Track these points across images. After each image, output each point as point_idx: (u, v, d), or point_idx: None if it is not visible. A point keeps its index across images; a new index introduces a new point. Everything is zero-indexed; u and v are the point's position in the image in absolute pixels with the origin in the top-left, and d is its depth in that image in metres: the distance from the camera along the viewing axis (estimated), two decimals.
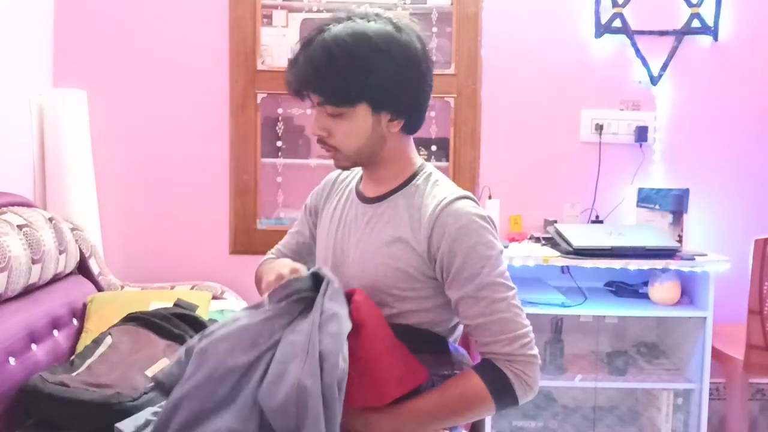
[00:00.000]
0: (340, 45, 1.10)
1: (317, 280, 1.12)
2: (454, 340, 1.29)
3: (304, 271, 1.15)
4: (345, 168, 1.26)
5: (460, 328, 1.27)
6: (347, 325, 1.03)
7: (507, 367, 1.11)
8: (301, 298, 1.10)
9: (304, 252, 1.45)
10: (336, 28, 1.12)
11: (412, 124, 1.22)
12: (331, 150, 1.20)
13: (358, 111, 1.14)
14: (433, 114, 2.75)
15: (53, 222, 2.16)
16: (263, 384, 1.00)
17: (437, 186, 1.21)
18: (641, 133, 2.72)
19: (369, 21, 1.15)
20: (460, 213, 1.14)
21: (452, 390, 1.13)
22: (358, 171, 1.35)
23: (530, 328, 1.14)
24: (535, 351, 1.13)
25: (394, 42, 1.13)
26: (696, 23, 2.71)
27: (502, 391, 1.11)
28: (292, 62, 1.16)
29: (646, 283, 2.55)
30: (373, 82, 1.12)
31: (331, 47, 1.10)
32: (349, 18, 1.15)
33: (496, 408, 1.13)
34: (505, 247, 2.44)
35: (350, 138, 1.17)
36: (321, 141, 1.19)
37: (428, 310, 1.20)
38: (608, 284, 2.69)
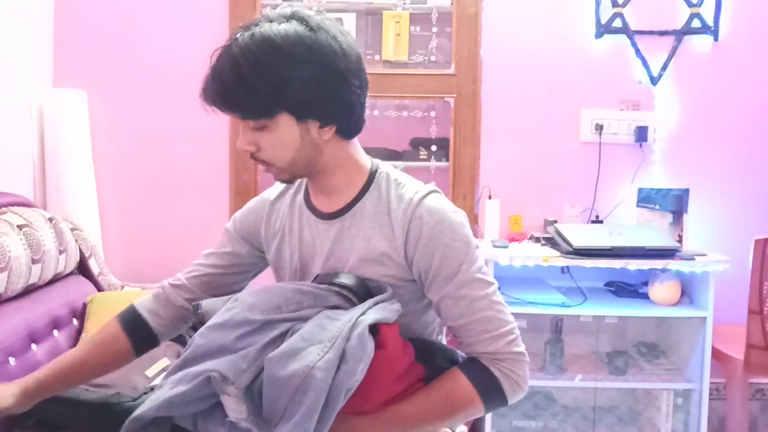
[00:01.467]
0: (245, 55, 1.03)
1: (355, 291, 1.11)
2: (442, 337, 1.28)
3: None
4: (286, 181, 1.18)
5: None
6: (372, 344, 1.01)
7: (494, 366, 1.07)
8: (341, 293, 1.08)
9: (219, 285, 1.30)
10: (243, 37, 1.05)
11: (347, 128, 1.12)
12: (264, 165, 1.13)
13: (280, 122, 1.07)
14: (433, 114, 2.75)
15: (53, 222, 2.16)
16: (276, 350, 0.97)
17: (400, 186, 1.15)
18: (641, 133, 2.72)
19: (279, 24, 1.06)
20: (432, 210, 1.09)
21: (438, 391, 1.08)
22: (294, 186, 1.26)
23: (515, 324, 1.10)
24: (522, 348, 1.10)
25: (304, 44, 1.03)
26: (696, 23, 2.70)
27: (490, 391, 1.07)
28: (204, 80, 1.10)
29: (646, 283, 2.55)
30: (285, 90, 1.03)
31: (237, 59, 1.03)
32: (256, 24, 1.08)
33: (485, 408, 1.09)
34: (505, 247, 2.44)
35: (279, 150, 1.09)
36: (252, 157, 1.12)
37: (416, 313, 1.17)
38: (608, 284, 2.69)
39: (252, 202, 1.32)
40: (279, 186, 1.28)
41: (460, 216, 1.12)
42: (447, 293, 1.09)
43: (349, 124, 1.12)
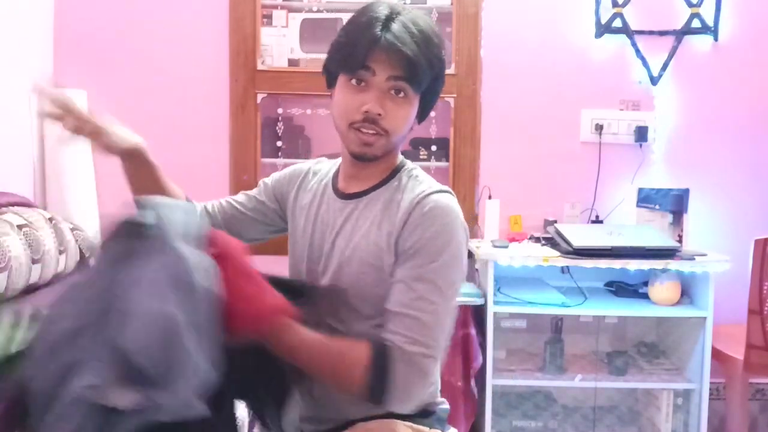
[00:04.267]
0: (426, 26, 1.14)
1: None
2: None
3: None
4: (374, 158, 1.17)
5: None
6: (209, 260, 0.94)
7: (398, 349, 1.04)
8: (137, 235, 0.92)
9: (239, 222, 1.39)
10: (416, 15, 1.15)
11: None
12: (377, 133, 1.14)
13: (416, 99, 1.16)
14: (433, 114, 2.74)
15: (53, 222, 2.15)
16: (114, 327, 0.83)
17: (417, 181, 1.19)
18: (641, 133, 2.72)
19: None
20: (435, 203, 1.12)
21: (337, 343, 1.08)
22: (330, 166, 1.33)
23: (441, 349, 1.08)
24: (432, 370, 1.07)
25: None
26: (696, 23, 2.71)
27: (381, 356, 1.03)
28: (382, 26, 1.11)
29: (646, 283, 2.55)
30: (440, 75, 1.17)
31: (420, 24, 1.13)
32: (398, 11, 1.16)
33: (368, 382, 1.03)
34: (505, 247, 2.44)
35: (403, 123, 1.16)
36: (372, 121, 1.13)
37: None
38: (608, 284, 2.69)
39: (291, 169, 1.38)
40: (319, 164, 1.36)
41: (459, 223, 1.13)
42: (404, 277, 1.09)
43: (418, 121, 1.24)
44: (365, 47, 1.10)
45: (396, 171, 1.22)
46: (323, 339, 1.07)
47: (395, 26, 1.10)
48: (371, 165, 1.19)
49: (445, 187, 1.18)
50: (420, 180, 1.20)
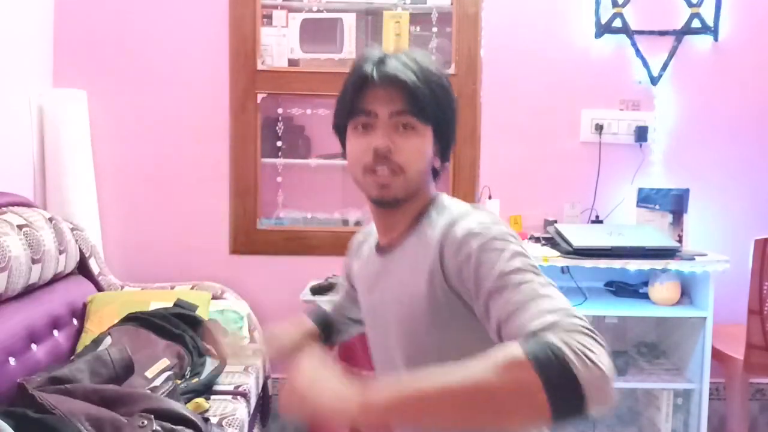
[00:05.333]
0: (424, 60, 1.09)
1: None
2: None
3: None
4: (395, 200, 1.09)
5: None
6: None
7: (554, 334, 0.76)
8: None
9: (346, 309, 1.41)
10: (411, 52, 1.10)
11: (440, 169, 1.16)
12: (392, 171, 1.06)
13: (426, 131, 1.08)
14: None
15: (53, 222, 2.16)
16: None
17: (447, 211, 1.08)
18: (641, 133, 2.72)
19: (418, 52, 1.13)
20: (467, 222, 1.00)
21: (476, 362, 0.77)
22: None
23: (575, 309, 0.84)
24: (588, 325, 0.79)
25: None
26: (696, 23, 2.71)
27: (550, 363, 0.72)
28: (375, 64, 1.07)
29: (646, 283, 2.55)
30: (447, 105, 1.10)
31: (417, 58, 1.08)
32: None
33: (548, 393, 0.72)
34: None
35: (417, 156, 1.07)
36: (383, 157, 1.05)
37: (453, 338, 1.02)
38: (608, 284, 2.69)
39: (352, 240, 1.37)
40: (369, 229, 1.29)
41: (503, 224, 1.00)
42: (490, 289, 0.90)
43: (444, 165, 1.17)
44: (360, 88, 1.06)
45: (425, 210, 1.12)
46: (456, 366, 0.78)
47: (390, 62, 1.06)
48: (397, 211, 1.11)
49: (478, 205, 1.11)
50: (450, 208, 1.08)
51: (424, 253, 1.04)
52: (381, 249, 1.17)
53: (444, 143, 1.13)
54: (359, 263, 1.27)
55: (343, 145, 1.14)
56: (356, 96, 1.07)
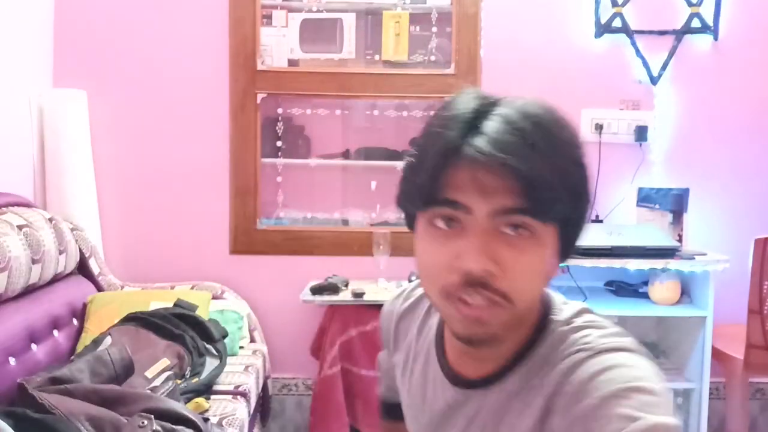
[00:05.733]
0: (544, 116, 0.70)
1: None
2: None
3: None
4: (493, 339, 0.72)
5: None
6: None
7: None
8: None
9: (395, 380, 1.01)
10: (520, 104, 0.72)
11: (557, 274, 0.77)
12: (491, 302, 0.68)
13: (548, 233, 0.70)
14: (431, 113, 2.75)
15: (53, 222, 2.16)
16: None
17: (580, 334, 0.74)
18: (641, 133, 2.72)
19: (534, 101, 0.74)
20: (610, 361, 0.70)
21: None
22: (427, 306, 0.90)
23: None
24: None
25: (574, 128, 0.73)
26: (696, 23, 2.70)
27: None
28: (467, 127, 0.69)
29: (646, 283, 2.55)
30: (581, 188, 0.72)
31: (545, 115, 0.70)
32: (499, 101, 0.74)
33: None
34: None
35: (534, 278, 0.70)
36: (479, 284, 0.68)
37: None
38: (608, 284, 2.69)
39: (388, 302, 1.00)
40: (404, 296, 0.96)
41: (652, 367, 0.72)
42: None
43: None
44: (443, 167, 0.68)
45: (538, 332, 0.75)
46: None
47: (491, 124, 0.68)
48: (493, 346, 0.74)
49: (626, 340, 0.77)
50: (586, 333, 0.74)
51: (532, 401, 0.72)
52: (458, 379, 0.79)
53: (570, 241, 0.74)
54: (404, 358, 0.91)
55: (410, 226, 0.78)
56: (437, 174, 0.69)
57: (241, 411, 1.96)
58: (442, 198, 0.69)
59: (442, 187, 0.69)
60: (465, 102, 0.72)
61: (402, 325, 0.94)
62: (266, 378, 2.49)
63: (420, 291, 0.93)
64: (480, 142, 0.67)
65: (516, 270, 0.68)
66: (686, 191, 2.52)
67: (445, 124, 0.71)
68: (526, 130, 0.67)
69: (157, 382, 1.79)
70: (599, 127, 2.73)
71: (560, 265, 0.76)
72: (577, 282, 2.54)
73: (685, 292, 2.51)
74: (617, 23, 2.70)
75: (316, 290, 2.44)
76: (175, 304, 2.23)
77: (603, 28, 2.71)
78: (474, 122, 0.69)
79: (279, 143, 2.79)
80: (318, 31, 2.71)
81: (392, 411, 1.02)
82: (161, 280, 2.62)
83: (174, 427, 1.53)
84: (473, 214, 0.68)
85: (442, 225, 0.70)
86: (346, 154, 2.79)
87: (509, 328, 0.72)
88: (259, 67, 2.70)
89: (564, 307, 0.78)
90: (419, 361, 0.87)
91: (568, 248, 0.74)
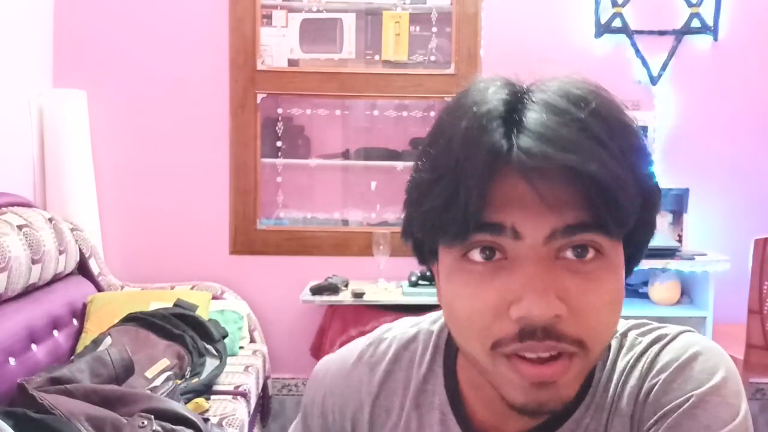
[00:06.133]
0: (612, 101, 0.56)
1: None
2: None
3: None
4: (553, 409, 0.55)
5: None
6: None
7: None
8: None
9: None
10: (552, 82, 0.55)
11: None
12: (563, 355, 0.52)
13: (618, 251, 0.55)
14: (433, 114, 2.75)
15: (53, 222, 2.16)
16: None
17: (634, 341, 0.61)
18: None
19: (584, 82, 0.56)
20: (680, 349, 0.58)
21: None
22: (416, 362, 0.68)
23: None
24: None
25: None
26: (696, 23, 2.70)
27: None
28: (504, 121, 0.52)
29: (646, 283, 2.55)
30: (651, 189, 0.56)
31: (597, 102, 0.53)
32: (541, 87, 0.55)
33: None
34: None
35: (610, 311, 0.54)
36: (544, 333, 0.51)
37: None
38: None
39: (338, 378, 0.70)
40: (365, 361, 0.70)
41: (731, 364, 0.58)
42: None
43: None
44: (485, 178, 0.50)
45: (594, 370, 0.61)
46: None
47: (534, 116, 0.51)
48: None
49: (681, 327, 0.62)
50: (635, 340, 0.62)
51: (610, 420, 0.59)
52: None
53: (636, 255, 0.59)
54: (395, 425, 0.67)
55: (422, 260, 0.61)
56: (483, 191, 0.51)
57: (241, 411, 1.96)
58: (482, 222, 0.51)
59: (480, 211, 0.50)
60: (494, 93, 0.54)
61: (381, 403, 0.68)
62: (266, 378, 2.49)
63: (386, 344, 0.69)
64: (526, 141, 0.49)
65: (589, 306, 0.51)
66: (686, 191, 2.52)
67: (478, 125, 0.52)
68: (583, 119, 0.51)
69: (157, 383, 1.79)
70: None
71: (628, 276, 0.59)
72: None
73: (685, 292, 2.51)
74: (617, 23, 2.70)
75: (316, 290, 2.44)
76: (175, 304, 2.23)
77: (603, 28, 2.71)
78: (511, 113, 0.52)
79: (279, 143, 2.79)
80: (318, 31, 2.71)
81: None
82: (161, 280, 2.62)
83: (174, 427, 1.53)
84: (524, 239, 0.51)
85: (480, 258, 0.53)
86: (346, 154, 2.79)
87: (580, 382, 0.55)
88: (259, 67, 2.70)
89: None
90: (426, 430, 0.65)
91: (632, 264, 0.59)
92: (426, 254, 0.59)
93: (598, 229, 0.51)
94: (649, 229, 0.57)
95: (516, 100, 0.53)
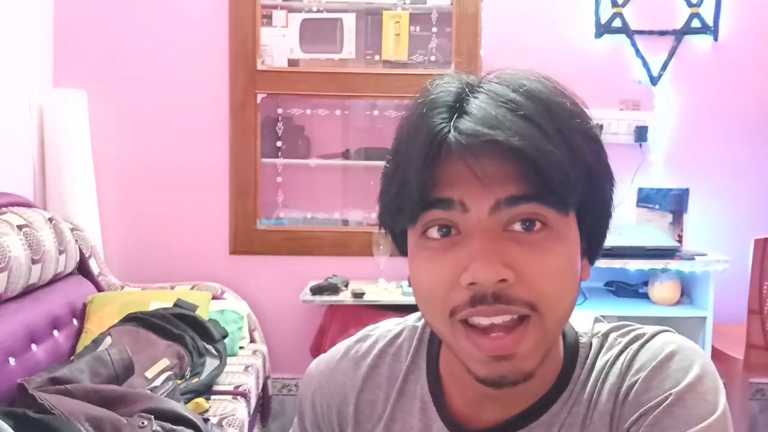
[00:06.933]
0: (549, 86, 0.59)
1: None
2: None
3: None
4: (525, 377, 0.58)
5: None
6: None
7: None
8: None
9: None
10: (502, 76, 0.59)
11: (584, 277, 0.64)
12: (518, 319, 0.56)
13: (569, 225, 0.58)
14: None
15: (53, 222, 2.16)
16: None
17: (612, 342, 0.65)
18: (641, 133, 2.71)
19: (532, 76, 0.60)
20: (659, 347, 0.61)
21: None
22: (405, 354, 0.71)
23: None
24: None
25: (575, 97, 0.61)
26: (696, 23, 2.70)
27: None
28: (452, 109, 0.57)
29: (646, 283, 2.55)
30: (597, 164, 0.59)
31: (538, 85, 0.58)
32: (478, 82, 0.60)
33: None
34: None
35: (559, 279, 0.57)
36: (494, 297, 0.55)
37: None
38: (608, 284, 2.69)
39: (325, 372, 0.74)
40: (351, 356, 0.73)
41: (707, 361, 0.60)
42: None
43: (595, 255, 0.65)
44: (430, 164, 0.56)
45: (570, 358, 0.65)
46: None
47: (476, 102, 0.56)
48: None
49: (660, 327, 0.65)
50: (615, 341, 0.65)
51: (588, 416, 0.62)
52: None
53: (594, 234, 0.62)
54: (379, 416, 0.70)
55: (402, 251, 0.66)
56: (425, 172, 0.56)
57: (241, 411, 1.96)
58: (431, 198, 0.56)
59: (429, 185, 0.56)
60: (444, 86, 0.60)
61: (365, 396, 0.71)
62: (266, 378, 2.49)
63: (371, 340, 0.73)
64: (465, 123, 0.55)
65: (535, 272, 0.55)
66: (686, 191, 2.52)
67: (423, 113, 0.58)
68: (516, 100, 0.55)
69: (157, 383, 1.79)
70: (599, 128, 2.73)
71: (592, 263, 0.65)
72: None
73: (685, 293, 2.51)
74: (617, 23, 2.70)
75: (316, 290, 2.44)
76: (175, 304, 2.23)
77: (603, 29, 2.71)
78: (459, 100, 0.57)
79: (279, 143, 2.79)
80: (318, 31, 2.71)
81: None
82: (161, 280, 2.62)
83: (174, 427, 1.53)
84: (471, 211, 0.55)
85: (437, 235, 0.57)
86: (346, 154, 2.79)
87: (540, 355, 0.58)
88: (259, 67, 2.70)
89: (575, 320, 0.68)
90: (412, 423, 0.68)
91: (594, 244, 0.63)
92: (400, 242, 0.64)
93: (539, 200, 0.55)
94: (602, 208, 0.61)
95: (464, 92, 0.58)
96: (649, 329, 0.64)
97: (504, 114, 0.55)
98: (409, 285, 2.42)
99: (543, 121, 0.55)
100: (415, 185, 0.56)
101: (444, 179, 0.56)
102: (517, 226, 0.56)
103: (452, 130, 0.55)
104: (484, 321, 0.56)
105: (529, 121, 0.55)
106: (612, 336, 0.65)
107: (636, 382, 0.59)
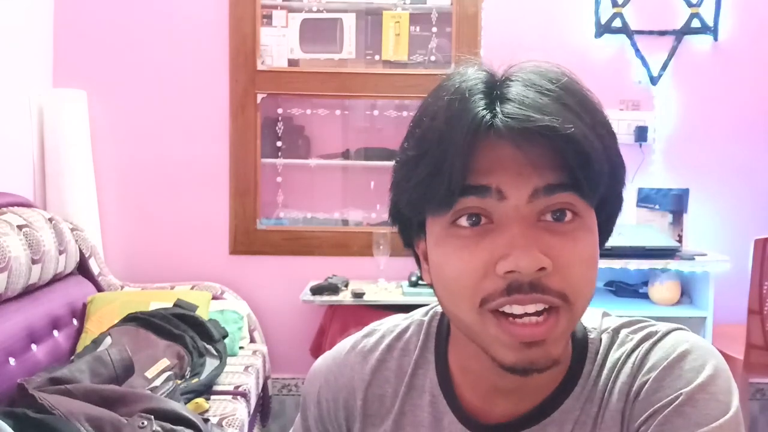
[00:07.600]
0: (576, 82, 0.62)
1: None
2: None
3: None
4: (544, 368, 0.57)
5: None
6: None
7: None
8: None
9: None
10: (527, 66, 0.64)
11: None
12: (550, 309, 0.56)
13: (592, 217, 0.59)
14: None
15: (53, 222, 2.16)
16: None
17: (621, 336, 0.66)
18: (641, 133, 2.71)
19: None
20: (671, 346, 0.61)
21: None
22: (411, 353, 0.71)
23: None
24: None
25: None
26: (696, 23, 2.70)
27: None
28: (486, 96, 0.57)
29: (646, 283, 2.55)
30: (619, 161, 0.60)
31: (568, 81, 0.60)
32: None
33: None
34: None
35: (590, 270, 0.58)
36: (530, 286, 0.55)
37: None
38: (608, 284, 2.69)
39: (332, 367, 0.73)
40: (357, 351, 0.73)
41: (721, 361, 0.60)
42: None
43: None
44: (468, 145, 0.55)
45: (579, 353, 0.65)
46: None
47: (515, 89, 0.57)
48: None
49: (672, 325, 0.64)
50: (626, 337, 0.65)
51: (601, 413, 0.62)
52: (493, 427, 0.64)
53: (607, 227, 0.63)
54: (388, 410, 0.69)
55: (407, 243, 0.66)
56: (467, 157, 0.55)
57: (241, 411, 1.96)
58: (466, 185, 0.54)
59: (465, 172, 0.54)
60: (474, 73, 0.60)
61: (374, 391, 0.70)
62: (266, 378, 2.49)
63: (379, 335, 0.72)
64: (509, 108, 0.54)
65: (570, 261, 0.55)
66: (686, 191, 2.52)
67: (461, 99, 0.56)
68: (558, 91, 0.56)
69: (157, 383, 1.79)
70: None
71: (604, 241, 0.64)
72: None
73: (685, 293, 2.51)
74: (617, 23, 2.70)
75: (316, 290, 2.44)
76: (175, 304, 2.23)
77: (603, 28, 2.71)
78: (491, 88, 0.57)
79: (279, 143, 2.79)
80: (318, 31, 2.71)
81: None
82: (161, 280, 2.62)
83: (174, 427, 1.53)
84: (508, 199, 0.55)
85: (467, 224, 0.56)
86: (346, 154, 2.79)
87: (566, 342, 0.59)
88: (259, 67, 2.70)
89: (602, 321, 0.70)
90: (421, 425, 0.67)
91: (602, 240, 0.62)
92: (413, 233, 0.63)
93: (575, 190, 0.55)
94: (617, 202, 0.62)
95: (495, 80, 0.59)
96: (662, 326, 0.63)
97: (548, 103, 0.55)
98: (417, 280, 2.41)
99: (582, 112, 0.56)
100: (455, 171, 0.54)
101: (480, 166, 0.55)
102: (549, 217, 0.56)
103: (499, 114, 0.54)
104: (517, 310, 0.55)
105: (572, 112, 0.55)
106: (623, 332, 0.65)
107: (647, 381, 0.59)
